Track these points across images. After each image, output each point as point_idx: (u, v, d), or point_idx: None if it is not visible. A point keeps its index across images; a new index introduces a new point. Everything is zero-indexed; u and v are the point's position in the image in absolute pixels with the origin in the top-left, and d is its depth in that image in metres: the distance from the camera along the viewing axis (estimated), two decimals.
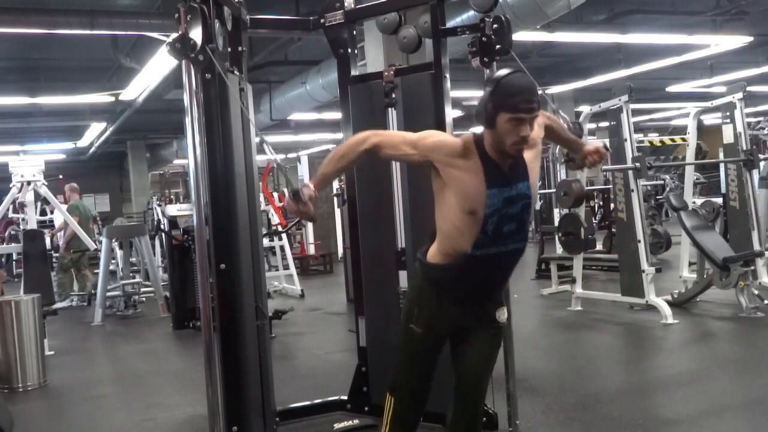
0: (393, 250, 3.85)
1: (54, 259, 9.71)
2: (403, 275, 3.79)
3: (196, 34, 3.00)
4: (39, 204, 10.19)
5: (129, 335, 7.51)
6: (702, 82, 13.81)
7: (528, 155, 2.46)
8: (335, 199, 11.25)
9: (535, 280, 9.03)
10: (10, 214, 12.02)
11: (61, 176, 12.23)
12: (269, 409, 3.70)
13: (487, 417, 3.48)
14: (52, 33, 8.04)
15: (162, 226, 9.66)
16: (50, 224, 11.51)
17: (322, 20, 3.99)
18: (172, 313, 7.60)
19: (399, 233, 3.85)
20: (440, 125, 3.64)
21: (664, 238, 10.12)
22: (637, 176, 6.39)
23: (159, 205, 12.41)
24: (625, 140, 6.50)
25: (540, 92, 2.39)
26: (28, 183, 8.11)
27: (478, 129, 2.41)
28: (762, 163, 7.68)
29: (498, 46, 3.44)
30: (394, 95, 3.80)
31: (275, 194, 11.85)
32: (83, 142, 17.66)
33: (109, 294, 8.39)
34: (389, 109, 3.83)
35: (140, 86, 10.42)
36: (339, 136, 5.36)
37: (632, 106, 6.61)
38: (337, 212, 11.40)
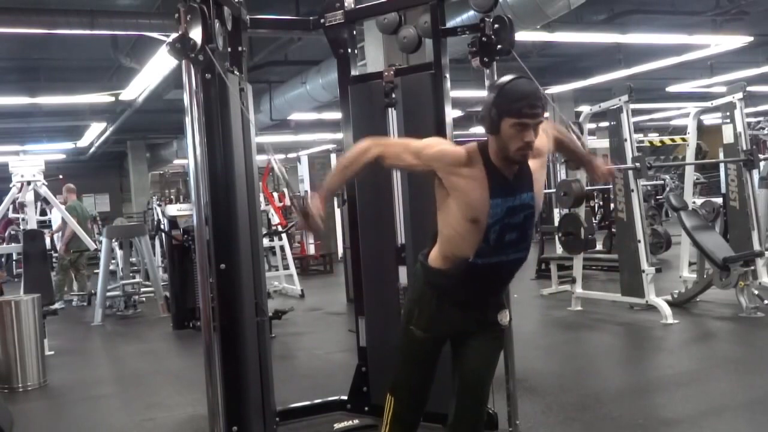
0: (393, 248, 3.85)
1: (54, 260, 9.71)
2: (402, 271, 3.79)
3: (196, 34, 3.00)
4: (39, 204, 10.19)
5: (129, 335, 7.52)
6: (702, 82, 13.79)
7: (533, 165, 2.45)
8: (335, 199, 11.23)
9: (535, 280, 9.03)
10: (10, 214, 12.01)
11: (61, 176, 12.19)
12: (269, 409, 3.70)
13: (487, 417, 3.47)
14: (52, 33, 8.02)
15: (162, 226, 9.66)
16: (50, 224, 11.50)
17: (322, 20, 3.99)
18: (172, 313, 7.60)
19: (399, 229, 3.85)
20: (440, 125, 3.64)
21: (664, 238, 10.12)
22: (637, 176, 6.39)
23: (159, 205, 12.39)
24: (625, 140, 6.50)
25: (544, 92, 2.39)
26: (28, 183, 8.11)
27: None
28: (762, 163, 7.68)
29: (499, 46, 3.44)
30: (394, 95, 3.80)
31: (275, 194, 11.85)
32: (83, 142, 17.63)
33: (109, 294, 8.40)
34: (389, 109, 3.83)
35: (140, 86, 10.40)
36: (339, 136, 5.36)
37: (632, 106, 6.62)
38: (337, 212, 11.39)
